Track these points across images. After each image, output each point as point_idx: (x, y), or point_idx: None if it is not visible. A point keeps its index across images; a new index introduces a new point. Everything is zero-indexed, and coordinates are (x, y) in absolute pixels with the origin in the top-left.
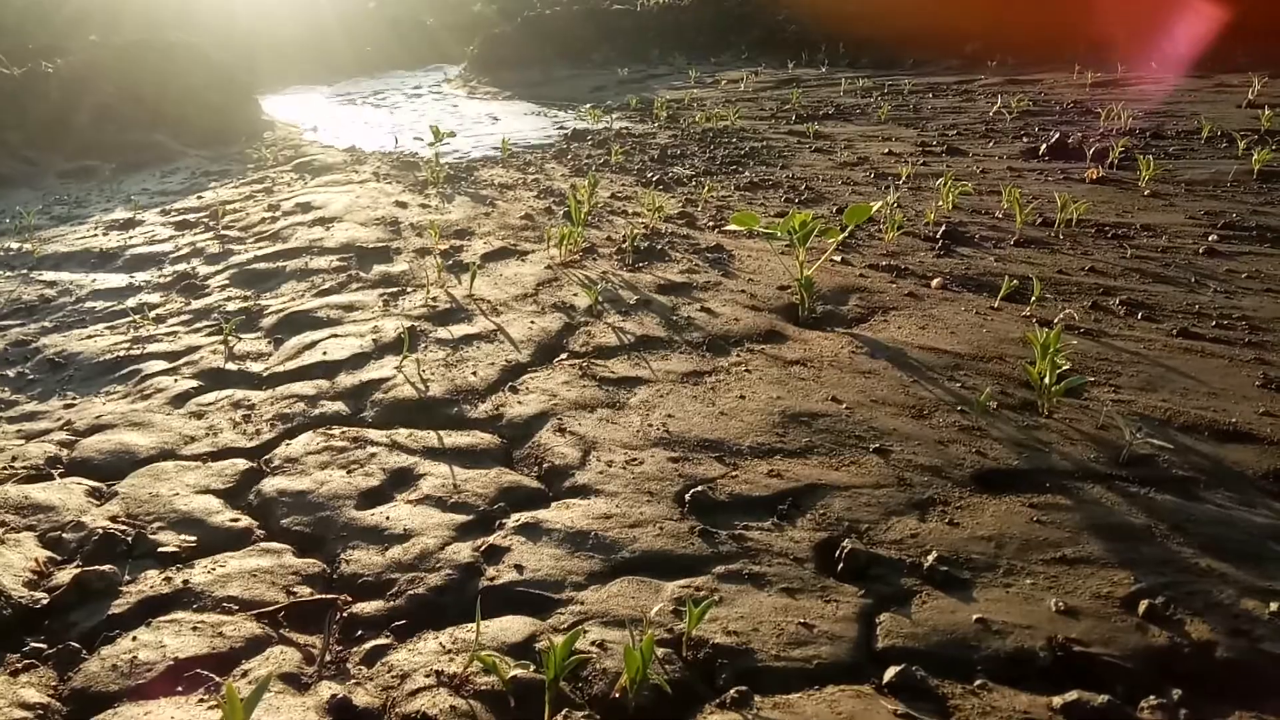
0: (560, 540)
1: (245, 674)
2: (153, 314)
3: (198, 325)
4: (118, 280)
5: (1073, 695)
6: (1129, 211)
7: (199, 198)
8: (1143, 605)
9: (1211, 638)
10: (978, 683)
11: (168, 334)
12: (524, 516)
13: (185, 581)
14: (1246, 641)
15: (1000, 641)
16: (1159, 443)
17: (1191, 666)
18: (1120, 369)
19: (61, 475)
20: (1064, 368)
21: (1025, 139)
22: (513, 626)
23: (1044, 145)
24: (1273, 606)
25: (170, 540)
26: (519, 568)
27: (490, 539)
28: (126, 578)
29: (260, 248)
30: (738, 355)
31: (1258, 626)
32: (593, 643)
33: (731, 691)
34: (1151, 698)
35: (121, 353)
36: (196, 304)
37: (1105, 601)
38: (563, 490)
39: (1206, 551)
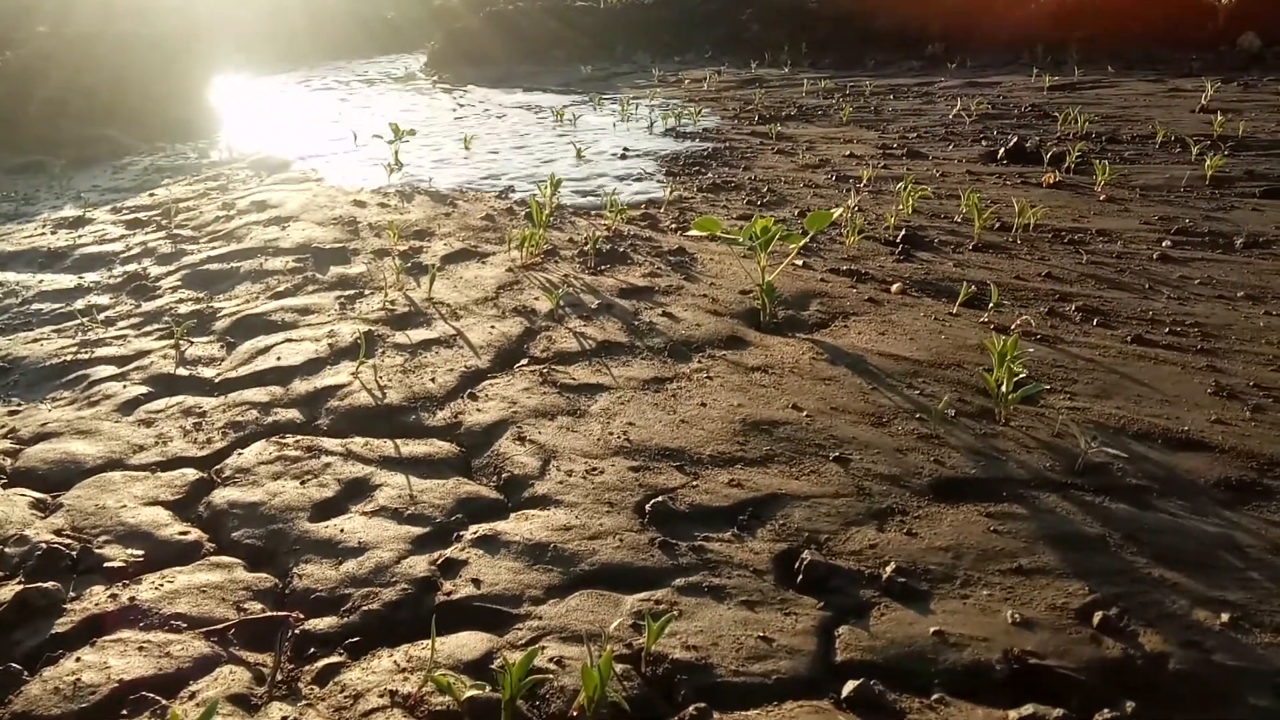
0: (519, 553)
1: (193, 695)
2: (101, 316)
3: (148, 328)
4: (66, 281)
5: (1028, 709)
6: (1085, 216)
7: (151, 195)
8: (1097, 616)
9: (1164, 649)
10: (935, 697)
11: (117, 337)
12: (482, 528)
13: (132, 598)
14: (1198, 653)
15: (957, 654)
16: (1113, 451)
17: (1144, 678)
18: (1076, 376)
19: (4, 486)
20: (1020, 375)
21: (984, 142)
22: (469, 643)
23: (1002, 149)
24: (1224, 617)
25: (117, 554)
26: (476, 582)
27: (447, 552)
28: (71, 594)
29: (214, 248)
30: (699, 361)
31: (1209, 638)
32: (551, 659)
33: (690, 709)
34: (1105, 710)
35: (69, 357)
36: (147, 306)
37: (1060, 613)
38: (522, 500)
39: (1159, 561)
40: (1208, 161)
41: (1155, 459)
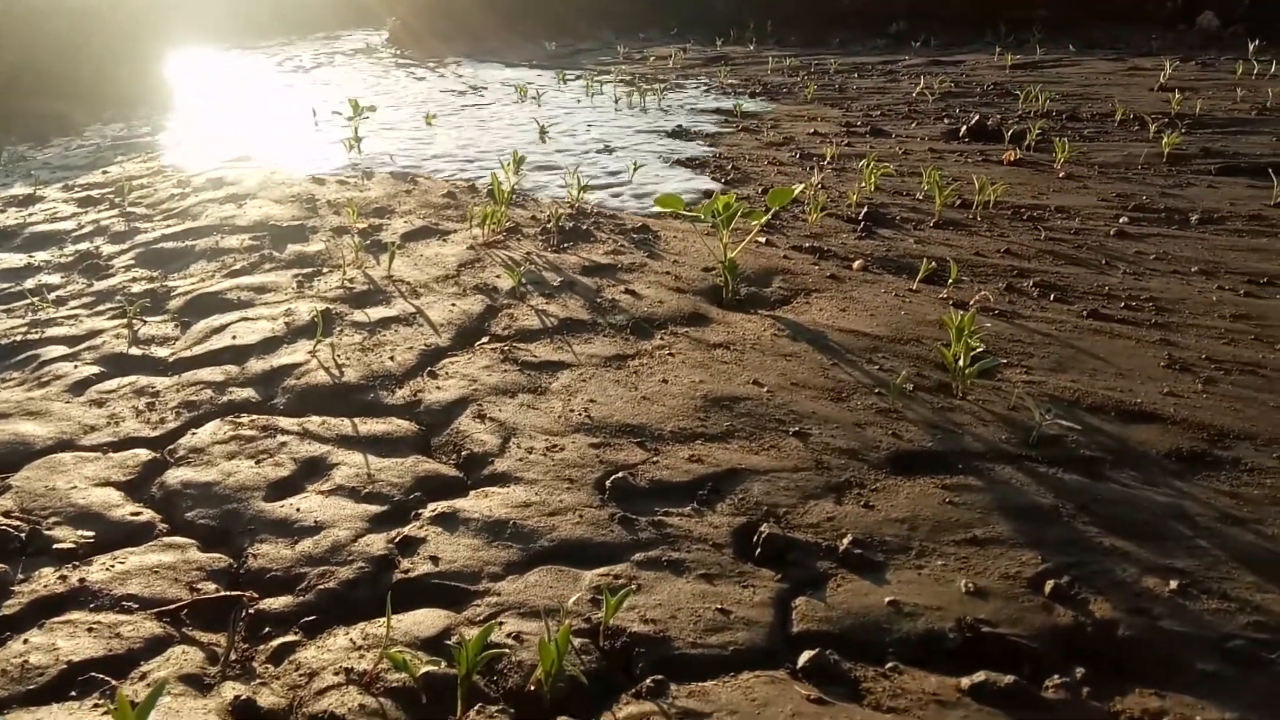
0: (478, 530)
1: (144, 676)
2: (53, 296)
3: (101, 307)
4: (16, 260)
5: (980, 676)
6: (1044, 193)
7: (105, 172)
8: (1049, 585)
9: (1114, 616)
10: (889, 665)
11: (68, 317)
12: (441, 506)
13: (82, 580)
14: (1146, 620)
15: (912, 624)
16: (1067, 423)
17: (1095, 645)
18: (1032, 350)
19: None
20: (978, 349)
21: (946, 120)
22: (427, 620)
23: (964, 127)
24: (1172, 584)
25: (67, 536)
26: (434, 559)
27: (405, 530)
28: (20, 577)
29: (168, 226)
30: (661, 338)
31: (1157, 605)
32: (509, 635)
33: (648, 681)
34: (1056, 676)
35: (18, 337)
36: (100, 285)
37: (1013, 582)
38: (481, 478)
39: (1111, 531)
40: (1165, 139)
41: (1108, 431)
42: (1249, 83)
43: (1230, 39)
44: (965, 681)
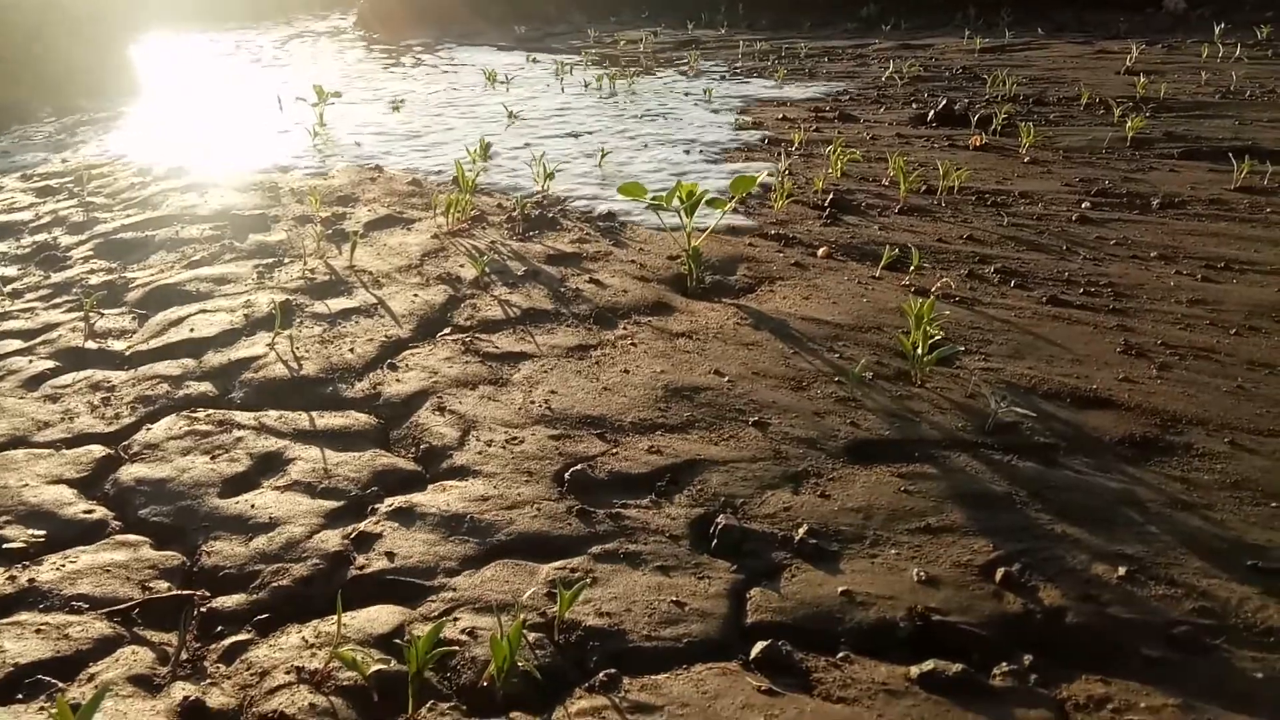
0: (435, 525)
1: (92, 678)
2: (8, 289)
3: (57, 300)
4: None
5: (929, 665)
6: (1008, 179)
7: (64, 161)
8: (1000, 573)
9: (1062, 603)
10: (840, 655)
11: (24, 310)
12: (398, 501)
13: (31, 580)
14: (1094, 606)
15: (864, 613)
16: (1023, 410)
17: (1043, 632)
18: (991, 337)
19: None
20: (937, 337)
21: (915, 105)
22: (380, 617)
23: (932, 111)
24: (1121, 570)
25: (17, 535)
26: (390, 555)
27: (361, 525)
28: None
29: (128, 216)
30: (624, 328)
31: (1105, 591)
32: (463, 630)
33: (601, 674)
34: (1004, 664)
35: None
36: (57, 277)
37: (965, 570)
38: (440, 472)
39: (1063, 517)
40: (1129, 123)
41: (1063, 417)
42: (1213, 66)
43: (1197, 22)
44: (914, 670)
